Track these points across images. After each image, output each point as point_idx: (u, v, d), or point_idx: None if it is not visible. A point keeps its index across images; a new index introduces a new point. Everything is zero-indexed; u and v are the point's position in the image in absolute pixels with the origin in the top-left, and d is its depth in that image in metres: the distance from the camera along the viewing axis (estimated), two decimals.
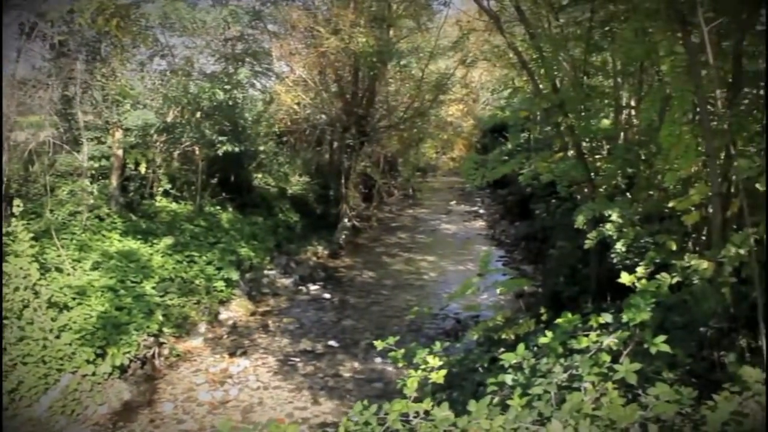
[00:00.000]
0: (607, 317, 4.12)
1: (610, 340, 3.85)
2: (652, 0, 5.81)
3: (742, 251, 4.58)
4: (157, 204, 15.47)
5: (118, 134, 14.19)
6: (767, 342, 4.16)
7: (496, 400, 3.85)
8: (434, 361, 4.12)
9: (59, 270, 10.57)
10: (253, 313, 13.08)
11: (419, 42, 21.01)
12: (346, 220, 20.52)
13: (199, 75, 15.94)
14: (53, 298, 9.46)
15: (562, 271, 10.86)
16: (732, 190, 5.56)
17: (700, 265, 4.87)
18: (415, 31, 20.73)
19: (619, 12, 8.23)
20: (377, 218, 23.20)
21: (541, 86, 9.56)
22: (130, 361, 9.71)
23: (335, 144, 21.82)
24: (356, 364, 10.64)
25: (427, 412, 3.52)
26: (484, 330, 7.30)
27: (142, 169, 15.10)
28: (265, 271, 15.26)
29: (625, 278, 4.40)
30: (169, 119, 15.39)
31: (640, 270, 4.88)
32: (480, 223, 23.47)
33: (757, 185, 4.89)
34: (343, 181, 20.57)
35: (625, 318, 3.92)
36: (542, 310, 6.26)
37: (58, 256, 10.81)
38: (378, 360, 10.54)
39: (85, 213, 12.57)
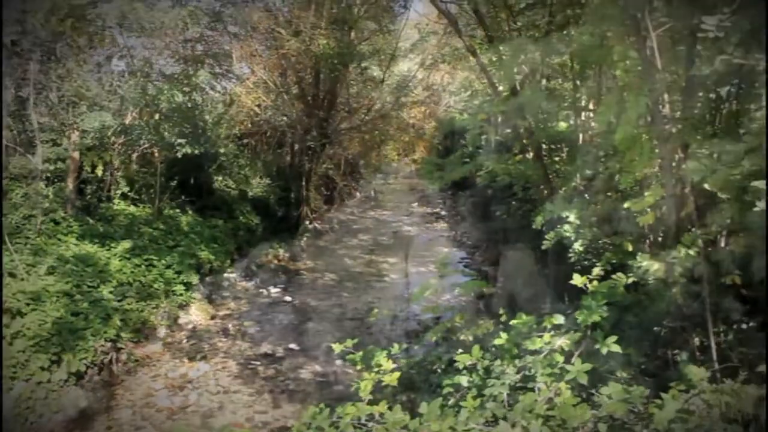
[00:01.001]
0: (560, 318, 4.17)
1: (562, 341, 3.90)
2: (608, 5, 5.91)
3: (691, 252, 4.67)
4: (115, 207, 15.20)
5: (75, 136, 13.91)
6: (715, 340, 4.26)
7: (451, 401, 3.87)
8: (388, 364, 4.12)
9: (12, 275, 10.32)
10: (213, 317, 12.95)
11: (380, 44, 21.05)
12: (307, 222, 20.47)
13: (158, 76, 15.72)
14: (6, 304, 9.23)
15: (520, 273, 10.97)
16: (686, 191, 5.67)
17: (652, 266, 4.96)
18: (377, 34, 20.75)
19: (576, 16, 8.36)
20: (339, 220, 23.19)
21: (500, 89, 9.66)
22: (87, 367, 9.50)
23: (296, 146, 21.72)
24: (317, 367, 10.58)
25: (382, 415, 3.52)
26: (443, 331, 7.33)
27: (99, 171, 14.83)
28: (226, 275, 15.15)
29: (577, 280, 4.46)
30: (127, 121, 15.14)
31: (595, 271, 4.95)
32: (442, 225, 23.62)
33: (706, 186, 4.98)
34: (304, 183, 20.52)
35: (578, 319, 3.97)
36: (501, 311, 6.30)
37: (11, 260, 10.56)
38: (339, 363, 10.50)
39: (39, 216, 12.29)
